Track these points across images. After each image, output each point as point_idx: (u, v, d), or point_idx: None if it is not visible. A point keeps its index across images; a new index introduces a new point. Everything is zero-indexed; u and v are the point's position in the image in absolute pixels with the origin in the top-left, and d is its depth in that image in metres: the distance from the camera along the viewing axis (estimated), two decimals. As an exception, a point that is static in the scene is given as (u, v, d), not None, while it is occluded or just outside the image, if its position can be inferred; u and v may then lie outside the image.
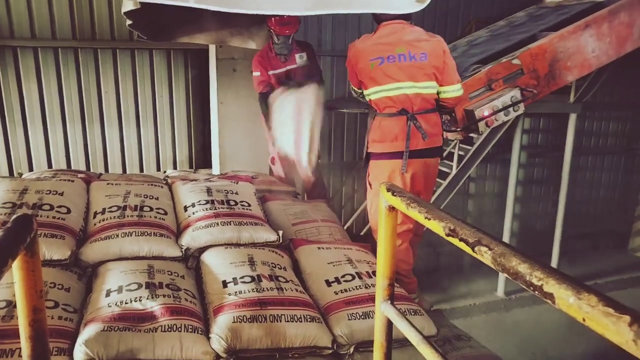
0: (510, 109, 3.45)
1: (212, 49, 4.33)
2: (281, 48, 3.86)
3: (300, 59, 4.02)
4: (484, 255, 0.90)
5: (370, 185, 3.08)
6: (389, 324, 1.37)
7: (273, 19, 3.72)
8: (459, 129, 3.43)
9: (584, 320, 0.68)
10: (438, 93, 2.98)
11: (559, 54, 3.60)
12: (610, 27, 3.72)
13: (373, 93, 2.95)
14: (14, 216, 1.06)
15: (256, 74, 3.96)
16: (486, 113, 3.37)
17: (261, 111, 4.08)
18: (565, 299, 0.71)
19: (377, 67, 2.88)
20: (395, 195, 1.24)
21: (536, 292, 0.77)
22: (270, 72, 3.97)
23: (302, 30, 4.87)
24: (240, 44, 4.00)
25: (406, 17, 2.97)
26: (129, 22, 3.18)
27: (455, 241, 0.99)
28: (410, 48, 2.86)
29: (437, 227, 1.05)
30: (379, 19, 3.00)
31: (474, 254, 0.93)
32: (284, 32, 3.78)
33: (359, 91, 3.12)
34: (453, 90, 2.98)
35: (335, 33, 5.15)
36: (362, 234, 4.67)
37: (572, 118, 5.15)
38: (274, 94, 3.73)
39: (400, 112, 2.88)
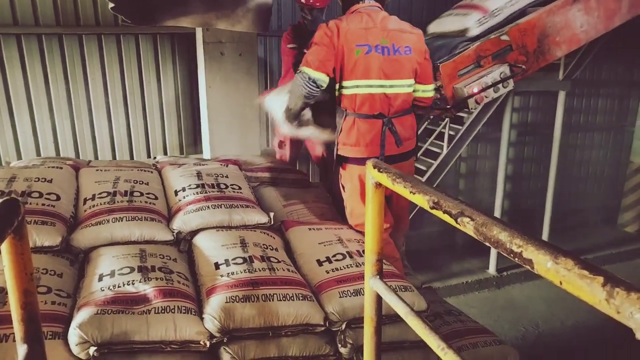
0: (500, 85, 3.45)
1: (199, 33, 4.28)
2: (313, 24, 3.83)
3: None
4: (467, 226, 0.92)
5: (343, 188, 2.72)
6: (379, 299, 1.39)
7: None
8: (448, 107, 3.42)
9: (560, 283, 0.70)
10: (414, 92, 2.69)
11: (548, 29, 3.60)
12: (599, 1, 3.71)
13: (351, 87, 2.51)
14: (0, 200, 1.05)
15: (292, 46, 3.89)
16: (475, 90, 3.37)
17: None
18: (544, 263, 0.73)
19: (363, 56, 2.47)
20: (381, 172, 1.25)
21: (516, 259, 0.79)
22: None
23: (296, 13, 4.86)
24: (226, 26, 3.96)
25: (380, 2, 2.63)
26: (111, 5, 3.13)
27: (439, 213, 1.01)
28: (394, 40, 2.52)
29: (421, 200, 1.07)
30: (349, 3, 2.61)
31: (457, 225, 0.95)
32: (316, 5, 3.79)
33: (324, 82, 2.49)
34: (430, 90, 2.76)
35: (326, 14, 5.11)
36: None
37: (562, 95, 5.19)
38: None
39: (377, 115, 2.53)
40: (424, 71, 2.67)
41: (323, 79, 2.48)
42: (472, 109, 3.67)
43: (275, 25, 4.84)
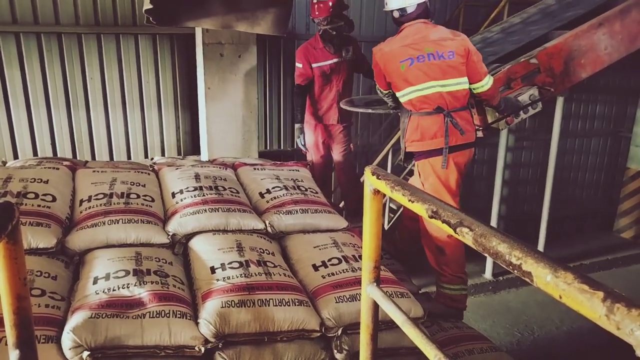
0: (529, 107, 3.55)
1: (199, 34, 4.28)
2: (329, 35, 4.01)
3: (346, 52, 4.15)
4: (466, 236, 0.91)
5: (423, 185, 3.01)
6: (375, 306, 1.38)
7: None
8: (480, 128, 3.49)
9: (560, 297, 0.70)
10: (470, 90, 3.01)
11: (574, 52, 3.73)
12: (622, 24, 3.83)
13: (407, 94, 2.95)
14: (-6, 204, 1.04)
15: (298, 65, 4.12)
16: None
17: (295, 103, 4.33)
18: (543, 277, 0.73)
19: (408, 68, 2.90)
20: (379, 179, 1.25)
21: (515, 271, 0.79)
22: (314, 65, 4.09)
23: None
24: (246, 28, 3.98)
25: (426, 16, 3.00)
26: (148, 7, 3.19)
27: (437, 223, 1.00)
28: (438, 47, 2.88)
29: (420, 209, 1.06)
30: (399, 21, 3.03)
31: (456, 235, 0.94)
32: (315, 15, 3.96)
33: (386, 92, 3.16)
34: (483, 85, 3.02)
35: (363, 18, 5.16)
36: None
37: (560, 101, 5.18)
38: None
39: (436, 110, 2.90)
40: (471, 71, 2.96)
41: (382, 90, 3.18)
42: (502, 129, 3.76)
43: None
